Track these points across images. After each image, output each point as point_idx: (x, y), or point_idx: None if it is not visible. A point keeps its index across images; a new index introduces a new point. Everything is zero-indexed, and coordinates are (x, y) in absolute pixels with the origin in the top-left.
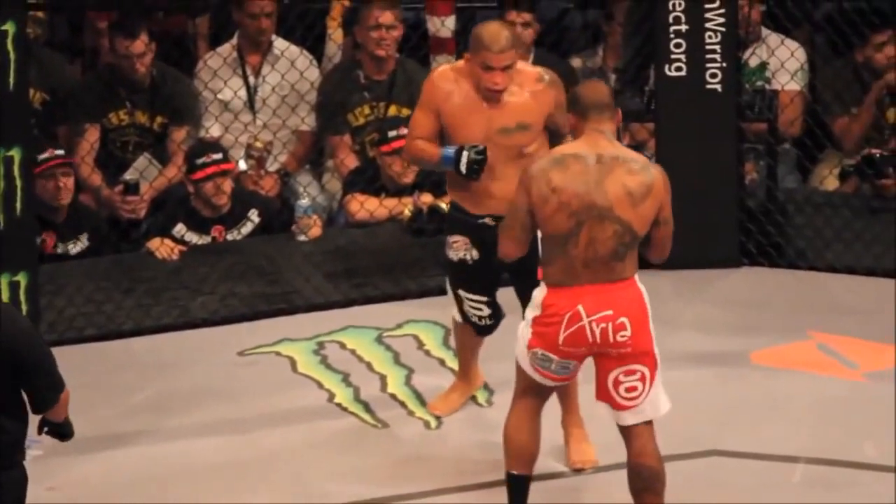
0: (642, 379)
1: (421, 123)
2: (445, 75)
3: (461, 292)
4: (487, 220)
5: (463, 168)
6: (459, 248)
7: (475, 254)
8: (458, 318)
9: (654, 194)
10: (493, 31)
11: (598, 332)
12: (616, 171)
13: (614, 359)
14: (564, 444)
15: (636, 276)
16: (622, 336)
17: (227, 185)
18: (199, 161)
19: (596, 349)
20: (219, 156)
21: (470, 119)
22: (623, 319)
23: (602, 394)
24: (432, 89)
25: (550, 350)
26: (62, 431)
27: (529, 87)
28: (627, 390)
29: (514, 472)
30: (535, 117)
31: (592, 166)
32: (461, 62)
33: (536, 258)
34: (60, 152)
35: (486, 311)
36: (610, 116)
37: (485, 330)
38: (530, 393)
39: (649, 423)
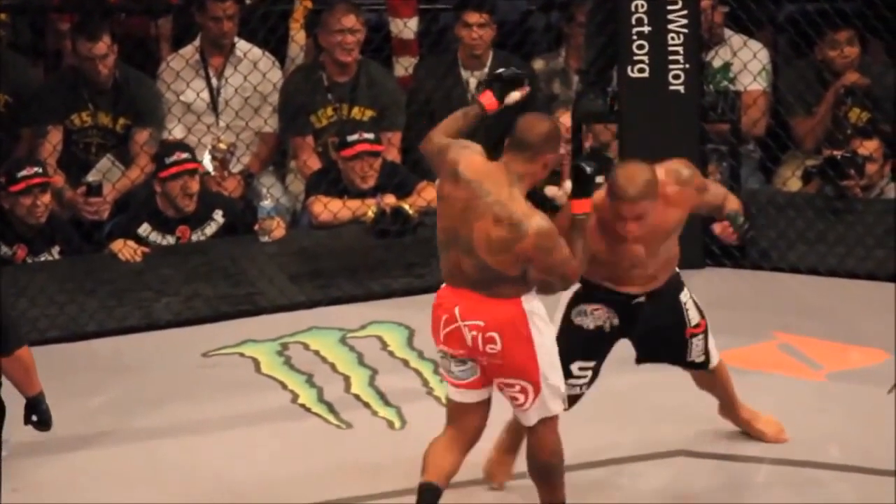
0: (523, 391)
1: None
2: None
3: (577, 363)
4: (641, 299)
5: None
6: (600, 317)
7: (616, 322)
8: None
9: (516, 253)
10: (629, 175)
11: (469, 337)
12: (485, 218)
13: (492, 368)
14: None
15: (526, 299)
16: (491, 349)
17: (195, 185)
18: (168, 160)
19: (476, 355)
20: (186, 155)
21: None
22: (493, 334)
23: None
24: None
25: (437, 342)
26: (40, 413)
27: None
28: (511, 398)
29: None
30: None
31: (476, 201)
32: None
33: None
34: (38, 170)
35: (588, 378)
36: (527, 157)
37: (575, 400)
38: (452, 420)
39: (545, 420)
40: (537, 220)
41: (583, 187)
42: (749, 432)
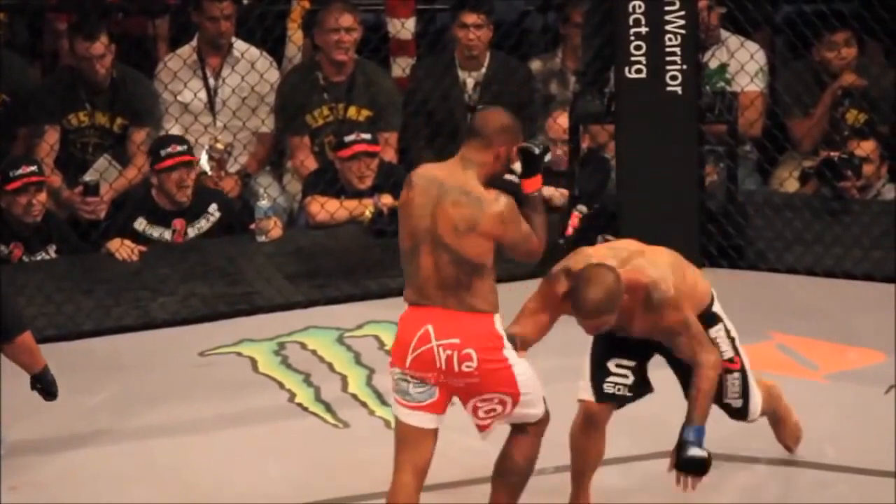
0: (501, 403)
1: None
2: None
3: (614, 360)
4: None
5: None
6: None
7: None
8: (588, 395)
9: (481, 230)
10: (587, 289)
11: (444, 358)
12: (443, 203)
13: (465, 390)
14: None
15: (497, 320)
16: (467, 367)
17: (191, 178)
18: (164, 151)
19: (444, 378)
20: (184, 147)
21: None
22: (469, 350)
23: (477, 427)
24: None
25: (401, 366)
26: (45, 384)
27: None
28: (487, 412)
29: None
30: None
31: (433, 192)
32: None
33: None
34: (34, 168)
35: (631, 379)
36: (481, 145)
37: (619, 401)
38: (403, 459)
39: (527, 429)
40: (495, 195)
41: (531, 166)
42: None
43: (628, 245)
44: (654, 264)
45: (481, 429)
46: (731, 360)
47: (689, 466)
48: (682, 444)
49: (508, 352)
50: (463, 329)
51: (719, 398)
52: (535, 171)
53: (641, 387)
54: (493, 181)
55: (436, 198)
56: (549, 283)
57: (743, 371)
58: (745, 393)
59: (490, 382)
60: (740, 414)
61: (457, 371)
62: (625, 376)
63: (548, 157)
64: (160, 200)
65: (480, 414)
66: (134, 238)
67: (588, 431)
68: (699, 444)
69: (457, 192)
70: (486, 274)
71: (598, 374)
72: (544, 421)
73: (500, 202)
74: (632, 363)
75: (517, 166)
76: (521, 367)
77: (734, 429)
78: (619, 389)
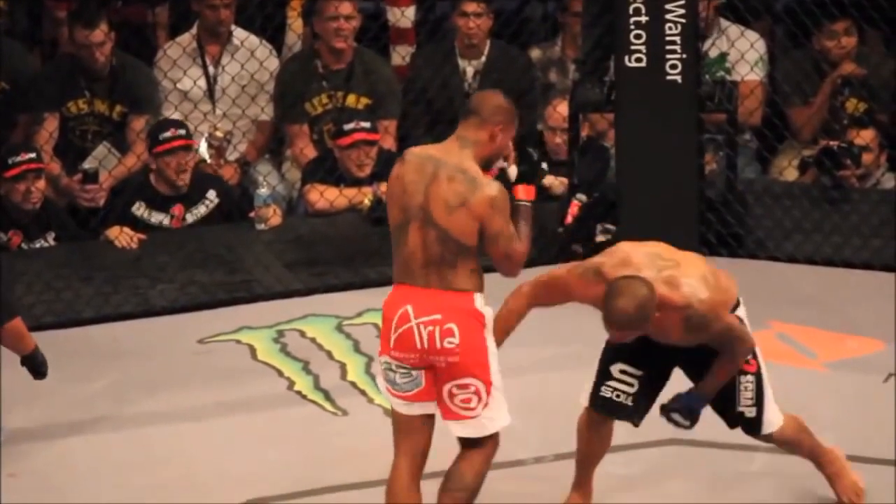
0: (477, 393)
1: None
2: None
3: (618, 365)
4: None
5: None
6: None
7: None
8: (585, 401)
9: (471, 208)
10: (618, 301)
11: (425, 335)
12: (439, 178)
13: (445, 371)
14: None
15: (478, 298)
16: (449, 342)
17: (190, 162)
18: (163, 135)
19: (426, 357)
20: (182, 131)
21: None
22: (451, 325)
23: (443, 411)
24: None
25: (387, 353)
26: (35, 364)
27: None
28: (462, 401)
29: None
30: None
31: (428, 169)
32: None
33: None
34: (33, 155)
35: (635, 388)
36: (476, 123)
37: (613, 408)
38: (401, 446)
39: (481, 444)
40: (491, 180)
41: (528, 173)
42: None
43: (663, 252)
44: (688, 276)
45: (451, 416)
46: (746, 362)
47: (670, 420)
48: (678, 401)
49: (489, 334)
50: (444, 305)
51: (732, 406)
52: (530, 178)
53: (645, 400)
54: (497, 173)
55: (431, 174)
56: (577, 275)
57: (758, 376)
58: (759, 401)
59: (470, 363)
60: (753, 426)
61: (439, 348)
62: (629, 384)
63: (544, 166)
64: (159, 186)
65: (456, 401)
66: (132, 224)
67: (594, 426)
68: (690, 413)
69: (453, 168)
70: (471, 255)
71: (600, 377)
72: (496, 443)
73: (493, 187)
74: (639, 372)
75: (512, 170)
76: (494, 357)
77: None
78: (617, 396)
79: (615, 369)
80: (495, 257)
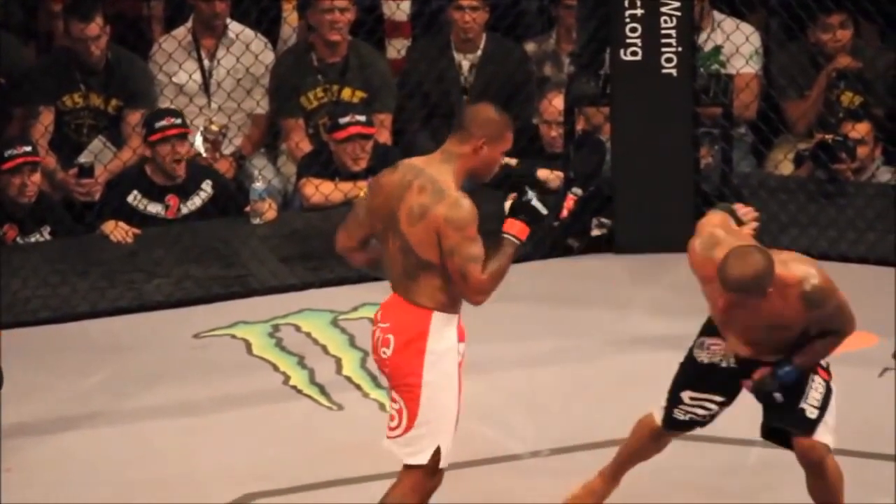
0: (399, 413)
1: None
2: None
3: (687, 392)
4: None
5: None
6: (716, 353)
7: (732, 361)
8: (657, 417)
9: (429, 221)
10: (738, 263)
11: (377, 340)
12: (412, 188)
13: (388, 378)
14: None
15: (437, 318)
16: (384, 352)
17: (185, 151)
18: (158, 124)
19: (377, 362)
20: (178, 120)
21: None
22: (390, 336)
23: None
24: None
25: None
26: None
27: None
28: (390, 416)
29: None
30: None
31: (408, 178)
32: None
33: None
34: (29, 149)
35: (706, 411)
36: (462, 136)
37: (685, 427)
38: None
39: (410, 471)
40: (460, 194)
41: (518, 208)
42: None
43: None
44: (795, 260)
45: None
46: (825, 370)
47: (759, 395)
48: (772, 374)
49: (433, 360)
50: (395, 316)
51: (796, 400)
52: (522, 216)
53: (714, 416)
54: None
55: (408, 183)
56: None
57: (829, 387)
58: (823, 408)
59: (397, 380)
60: (808, 426)
61: (379, 356)
62: (703, 408)
63: (543, 210)
64: (154, 176)
65: (389, 412)
66: (128, 214)
67: (657, 436)
68: (780, 384)
69: (426, 179)
70: (435, 271)
71: (671, 402)
72: (431, 476)
73: (461, 204)
74: (706, 395)
75: (513, 163)
76: (438, 392)
77: (736, 412)
78: (691, 419)
79: (685, 396)
80: (452, 276)
